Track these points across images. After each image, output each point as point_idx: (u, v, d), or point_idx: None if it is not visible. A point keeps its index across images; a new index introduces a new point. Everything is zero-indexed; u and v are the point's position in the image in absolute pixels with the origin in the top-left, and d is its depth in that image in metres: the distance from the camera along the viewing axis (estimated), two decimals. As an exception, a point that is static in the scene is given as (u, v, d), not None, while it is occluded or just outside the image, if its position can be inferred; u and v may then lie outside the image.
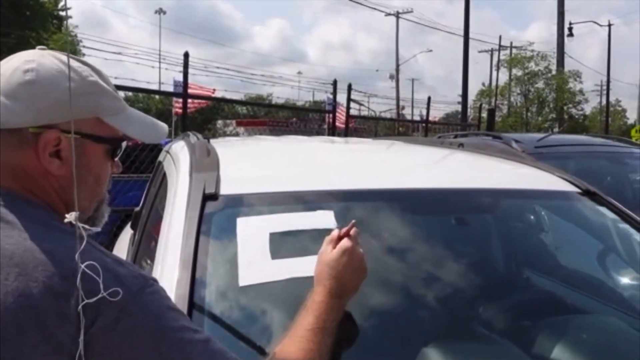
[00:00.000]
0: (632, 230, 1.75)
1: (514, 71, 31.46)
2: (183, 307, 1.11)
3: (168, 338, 0.83)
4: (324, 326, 1.04)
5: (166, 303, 0.88)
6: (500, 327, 1.43)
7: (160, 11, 44.52)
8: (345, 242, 1.16)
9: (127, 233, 3.21)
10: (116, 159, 1.02)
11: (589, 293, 1.75)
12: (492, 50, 39.13)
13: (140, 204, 2.85)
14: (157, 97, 31.08)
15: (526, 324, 1.48)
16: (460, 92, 16.50)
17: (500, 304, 1.55)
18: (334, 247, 1.16)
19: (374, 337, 1.31)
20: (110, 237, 4.27)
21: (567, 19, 28.92)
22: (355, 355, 1.21)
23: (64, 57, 0.93)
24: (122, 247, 2.92)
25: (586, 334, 1.50)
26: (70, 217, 0.82)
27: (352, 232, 1.18)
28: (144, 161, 5.06)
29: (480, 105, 18.82)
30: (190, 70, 5.59)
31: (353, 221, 1.20)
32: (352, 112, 9.53)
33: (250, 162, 2.03)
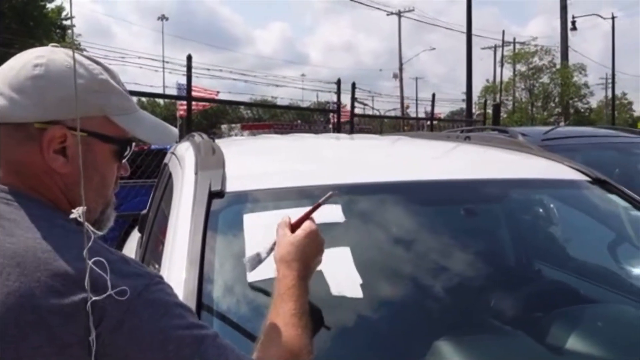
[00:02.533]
0: (644, 218, 1.72)
1: (518, 66, 31.37)
2: (191, 304, 1.10)
3: (176, 335, 0.82)
4: (304, 309, 1.03)
5: (172, 300, 0.87)
6: (512, 318, 1.41)
7: (162, 17, 44.68)
8: (309, 224, 1.14)
9: (134, 237, 3.21)
10: (124, 161, 1.00)
11: (602, 283, 1.72)
12: (495, 47, 38.98)
13: (147, 207, 2.84)
14: (162, 103, 31.20)
15: (539, 315, 1.46)
16: (464, 89, 16.45)
17: (511, 296, 1.53)
18: (292, 231, 1.14)
19: (386, 331, 1.29)
20: (118, 242, 4.28)
21: (570, 12, 28.86)
22: (369, 350, 1.20)
23: (76, 55, 0.92)
24: (130, 252, 2.91)
25: (600, 323, 1.48)
26: (77, 212, 0.80)
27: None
28: (150, 165, 5.06)
29: (485, 101, 18.69)
30: (193, 74, 5.58)
31: (330, 192, 1.20)
32: (357, 111, 9.50)
33: (255, 160, 2.02)
